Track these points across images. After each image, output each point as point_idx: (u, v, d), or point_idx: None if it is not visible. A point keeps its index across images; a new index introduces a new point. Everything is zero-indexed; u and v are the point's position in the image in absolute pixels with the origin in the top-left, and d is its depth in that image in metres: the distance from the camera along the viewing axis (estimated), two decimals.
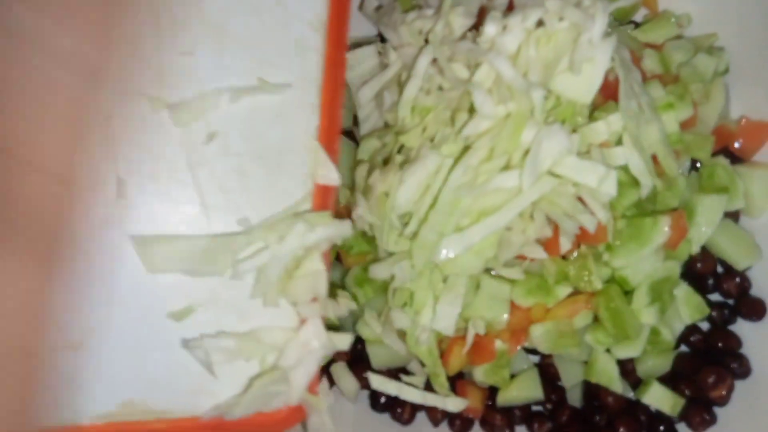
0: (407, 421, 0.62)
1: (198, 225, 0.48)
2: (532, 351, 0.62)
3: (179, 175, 0.48)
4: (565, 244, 0.54)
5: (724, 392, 0.57)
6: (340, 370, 0.63)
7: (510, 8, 0.58)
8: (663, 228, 0.55)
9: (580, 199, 0.53)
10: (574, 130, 0.54)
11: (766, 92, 0.64)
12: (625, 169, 0.55)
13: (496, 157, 0.53)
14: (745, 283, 0.61)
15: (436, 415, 0.62)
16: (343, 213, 0.61)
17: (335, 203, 0.58)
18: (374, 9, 0.70)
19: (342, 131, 0.69)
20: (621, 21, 0.68)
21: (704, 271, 0.61)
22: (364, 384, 0.62)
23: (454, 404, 0.59)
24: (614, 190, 0.51)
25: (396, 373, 0.62)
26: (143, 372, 0.47)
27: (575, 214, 0.52)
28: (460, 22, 0.58)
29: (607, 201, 0.53)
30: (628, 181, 0.57)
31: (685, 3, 0.68)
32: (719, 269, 0.63)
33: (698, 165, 0.62)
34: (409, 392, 0.58)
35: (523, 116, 0.51)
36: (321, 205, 0.51)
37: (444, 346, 0.59)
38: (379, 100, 0.63)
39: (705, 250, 0.61)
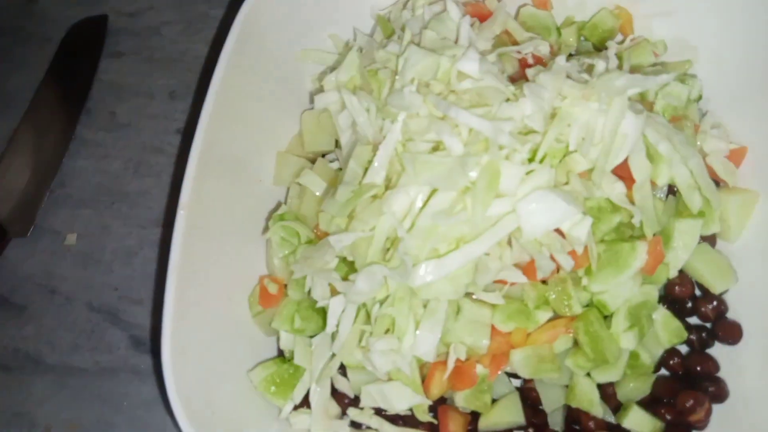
0: None
1: None
2: (513, 374, 0.62)
3: None
4: (542, 274, 0.55)
5: (702, 416, 0.57)
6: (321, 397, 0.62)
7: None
8: (640, 253, 0.56)
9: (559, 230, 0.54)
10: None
11: (738, 117, 0.66)
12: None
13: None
14: (721, 307, 0.62)
15: None
16: (322, 234, 0.61)
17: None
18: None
19: (323, 154, 0.70)
20: (598, 47, 0.70)
21: (682, 295, 0.62)
22: (345, 409, 0.61)
23: None
24: (585, 236, 0.52)
25: None
26: None
27: (552, 249, 0.53)
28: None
29: (581, 242, 0.54)
30: (607, 207, 0.57)
31: (659, 28, 0.69)
32: (697, 292, 0.63)
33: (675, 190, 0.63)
34: (389, 428, 0.58)
35: (498, 162, 0.52)
36: None
37: (425, 371, 0.59)
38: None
39: (683, 274, 0.62)
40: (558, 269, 0.57)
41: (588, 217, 0.53)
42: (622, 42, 0.69)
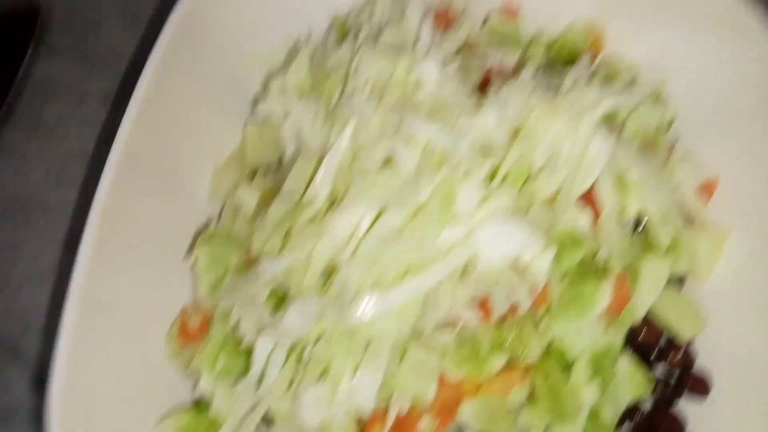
0: None
1: None
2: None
3: None
4: (498, 311, 0.49)
5: None
6: None
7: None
8: (605, 293, 0.51)
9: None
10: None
11: (710, 147, 0.61)
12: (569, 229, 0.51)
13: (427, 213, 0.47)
14: (688, 357, 0.56)
15: None
16: (255, 262, 0.54)
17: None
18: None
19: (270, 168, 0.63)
20: (566, 60, 0.65)
21: (647, 342, 0.56)
22: None
23: None
24: (546, 268, 0.47)
25: None
26: None
27: (509, 284, 0.47)
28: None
29: (542, 275, 0.48)
30: (570, 240, 0.52)
31: (631, 50, 0.65)
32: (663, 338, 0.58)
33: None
34: None
35: (454, 180, 0.46)
36: None
37: (362, 425, 0.52)
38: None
39: (648, 319, 0.56)
40: (516, 309, 0.51)
41: (551, 248, 0.48)
42: (592, 61, 0.64)
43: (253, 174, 0.63)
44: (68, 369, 0.48)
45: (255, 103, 0.67)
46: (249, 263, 0.56)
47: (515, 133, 0.52)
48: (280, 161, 0.62)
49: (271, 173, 0.61)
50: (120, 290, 0.54)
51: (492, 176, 0.49)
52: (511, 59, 0.58)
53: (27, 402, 0.65)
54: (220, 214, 0.63)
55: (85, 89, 0.84)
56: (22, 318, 0.69)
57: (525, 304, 0.48)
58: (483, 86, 0.57)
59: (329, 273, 0.50)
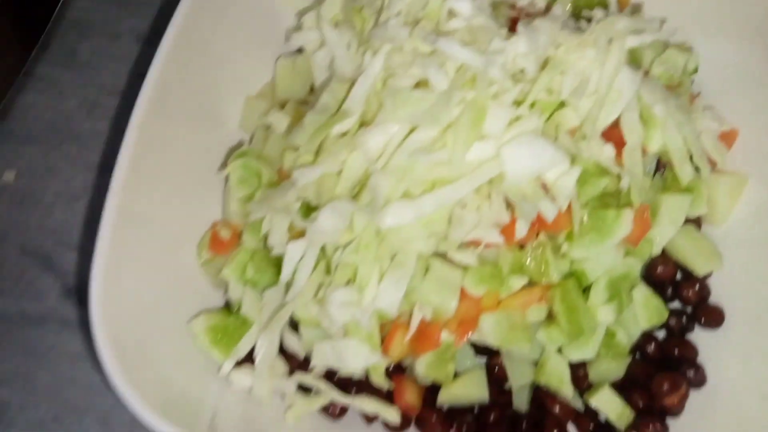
0: (339, 416, 0.56)
1: None
2: (481, 351, 0.57)
3: None
4: (522, 229, 0.50)
5: (677, 400, 0.53)
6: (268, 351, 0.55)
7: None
8: (626, 221, 0.52)
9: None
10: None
11: (730, 102, 0.63)
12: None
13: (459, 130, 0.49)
14: (704, 291, 0.58)
15: None
16: (286, 176, 0.56)
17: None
18: None
19: (300, 101, 0.65)
20: (589, 8, 0.66)
21: (664, 276, 0.58)
22: (293, 370, 0.55)
23: (389, 414, 0.53)
24: (571, 186, 0.49)
25: None
26: None
27: (534, 199, 0.49)
28: None
29: (566, 194, 0.50)
30: (594, 170, 0.54)
31: (655, 8, 0.67)
32: (678, 276, 0.60)
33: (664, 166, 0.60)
34: (340, 397, 0.53)
35: (484, 99, 0.48)
36: None
37: (385, 332, 0.54)
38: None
39: (666, 255, 0.58)
40: (537, 233, 0.53)
41: (576, 167, 0.49)
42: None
43: (282, 106, 0.65)
44: (105, 272, 0.50)
45: (287, 37, 0.69)
46: (280, 180, 0.58)
47: (544, 64, 0.53)
48: (309, 94, 0.64)
49: (301, 105, 0.63)
50: (153, 205, 0.56)
51: (520, 103, 0.51)
52: (539, 2, 0.60)
53: (59, 308, 0.68)
54: (251, 140, 0.65)
55: (119, 28, 0.87)
56: (56, 233, 0.72)
57: (549, 215, 0.50)
58: (512, 27, 0.59)
59: (360, 185, 0.52)
